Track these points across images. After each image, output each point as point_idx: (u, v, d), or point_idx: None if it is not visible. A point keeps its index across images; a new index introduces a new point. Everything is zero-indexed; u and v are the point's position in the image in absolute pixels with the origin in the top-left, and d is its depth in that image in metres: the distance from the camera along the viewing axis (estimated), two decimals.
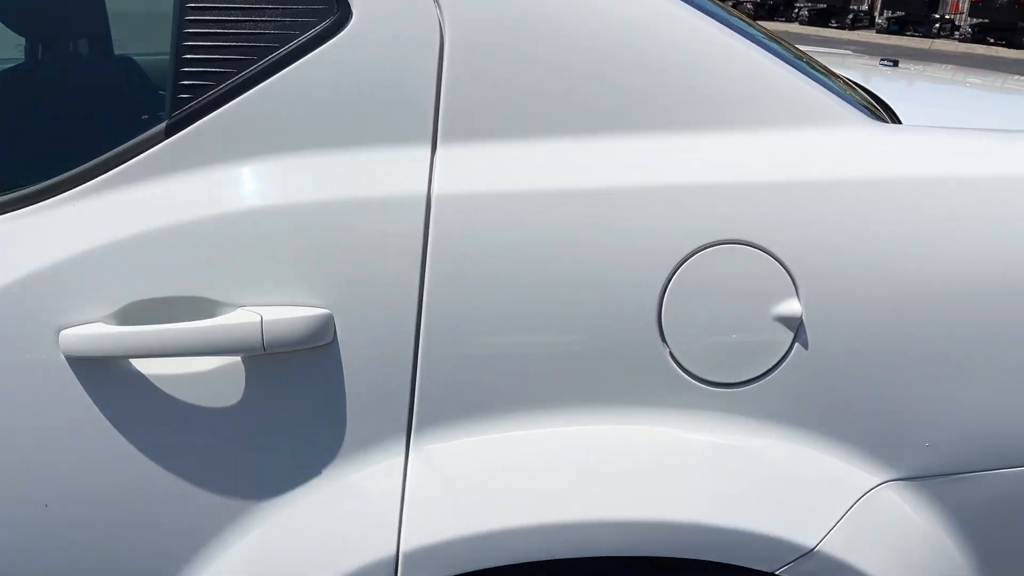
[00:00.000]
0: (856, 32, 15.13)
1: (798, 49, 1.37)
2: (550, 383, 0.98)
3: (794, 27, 15.69)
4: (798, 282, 0.96)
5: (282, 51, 0.96)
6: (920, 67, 2.02)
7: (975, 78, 1.94)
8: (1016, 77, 2.06)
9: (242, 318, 0.91)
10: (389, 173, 0.96)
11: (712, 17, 1.03)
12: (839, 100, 1.05)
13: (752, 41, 1.03)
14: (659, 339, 0.97)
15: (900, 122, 1.15)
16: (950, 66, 2.09)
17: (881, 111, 1.19)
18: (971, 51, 13.44)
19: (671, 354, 0.97)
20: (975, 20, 13.96)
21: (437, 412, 0.98)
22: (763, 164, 0.98)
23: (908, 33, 14.69)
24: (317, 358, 0.95)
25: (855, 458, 1.01)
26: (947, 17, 14.65)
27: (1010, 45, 13.56)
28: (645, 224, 0.96)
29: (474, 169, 0.96)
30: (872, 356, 0.98)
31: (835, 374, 0.98)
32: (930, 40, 14.27)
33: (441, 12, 0.97)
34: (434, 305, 0.95)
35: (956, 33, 14.37)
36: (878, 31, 15.05)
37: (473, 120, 0.97)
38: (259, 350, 0.92)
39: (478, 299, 0.95)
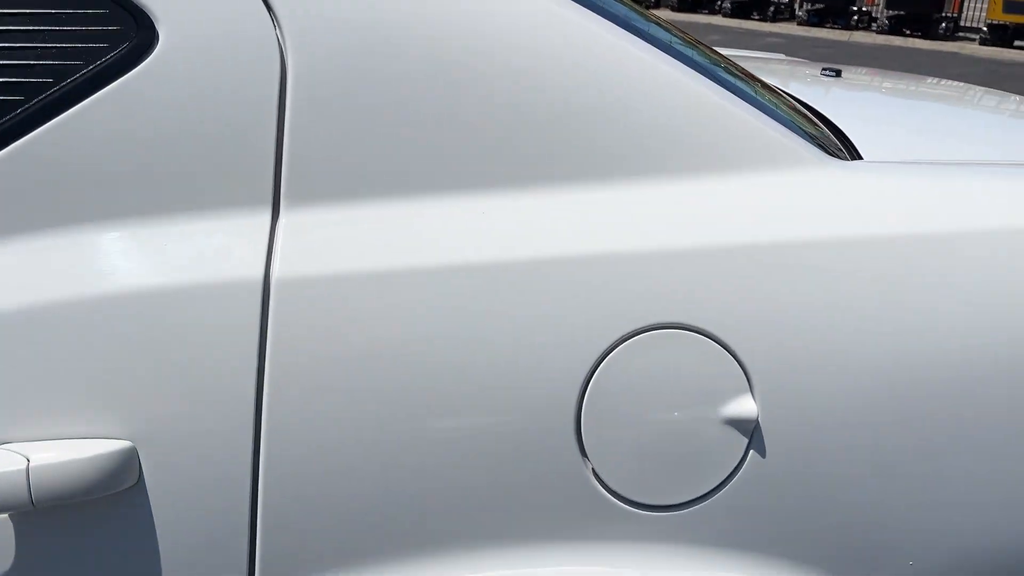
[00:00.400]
0: (777, 24, 15.29)
1: (723, 56, 1.15)
2: (438, 519, 0.75)
3: (717, 19, 15.76)
4: (752, 375, 0.76)
5: (59, 90, 0.71)
6: (866, 76, 1.85)
7: (917, 86, 1.78)
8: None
9: (0, 463, 0.66)
10: (214, 251, 0.72)
11: (629, 30, 0.81)
12: (788, 133, 0.85)
13: (675, 58, 0.82)
14: (578, 453, 0.75)
15: (860, 156, 0.96)
16: (895, 72, 1.93)
17: (837, 142, 0.99)
18: (889, 43, 13.69)
19: (593, 472, 0.76)
20: (892, 12, 14.24)
21: (289, 570, 0.74)
22: (701, 224, 0.78)
23: (828, 25, 14.92)
24: (117, 507, 0.70)
25: None
26: (864, 9, 14.91)
27: (925, 36, 13.87)
28: (558, 307, 0.74)
29: (330, 241, 0.73)
30: (844, 462, 0.78)
31: (799, 486, 0.78)
32: (849, 32, 14.50)
33: (281, 30, 0.73)
34: (278, 428, 0.71)
35: (874, 25, 14.64)
36: (799, 23, 15.24)
37: (328, 175, 0.74)
38: (27, 506, 0.66)
39: (339, 416, 0.72)
